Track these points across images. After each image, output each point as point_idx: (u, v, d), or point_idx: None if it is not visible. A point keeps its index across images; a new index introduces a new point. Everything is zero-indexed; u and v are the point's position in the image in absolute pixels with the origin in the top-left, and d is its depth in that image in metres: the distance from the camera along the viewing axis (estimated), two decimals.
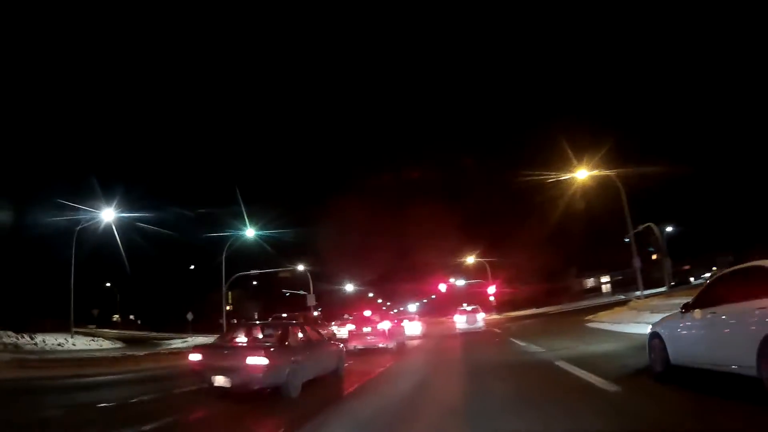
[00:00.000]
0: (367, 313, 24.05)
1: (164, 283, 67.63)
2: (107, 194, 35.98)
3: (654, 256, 50.82)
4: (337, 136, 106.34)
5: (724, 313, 7.62)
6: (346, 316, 38.04)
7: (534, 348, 17.96)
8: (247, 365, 10.24)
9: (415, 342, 29.17)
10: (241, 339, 12.80)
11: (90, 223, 36.76)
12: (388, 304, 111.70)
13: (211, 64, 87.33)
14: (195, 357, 11.31)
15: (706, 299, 8.39)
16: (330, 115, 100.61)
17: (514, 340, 23.29)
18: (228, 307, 44.37)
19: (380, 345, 22.37)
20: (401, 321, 34.36)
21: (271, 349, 10.87)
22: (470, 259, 70.30)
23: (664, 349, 9.26)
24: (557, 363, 12.90)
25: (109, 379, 16.81)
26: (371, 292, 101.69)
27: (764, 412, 6.33)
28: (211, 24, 78.95)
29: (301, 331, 13.02)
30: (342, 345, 15.48)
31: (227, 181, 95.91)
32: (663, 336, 9.44)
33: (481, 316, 35.01)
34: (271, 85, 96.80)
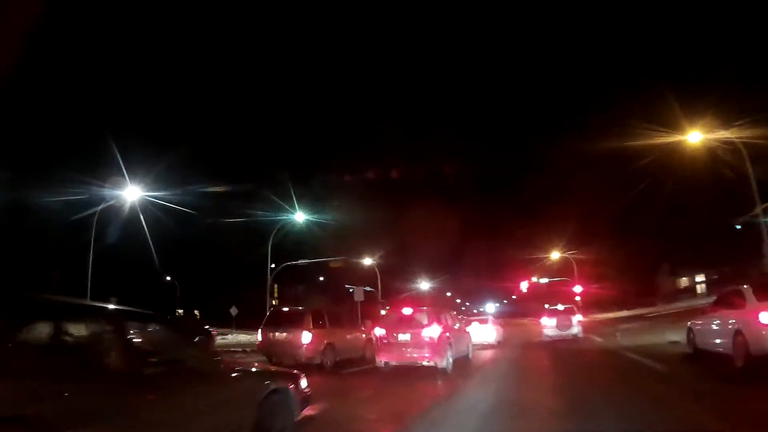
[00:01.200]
0: (407, 310, 14.90)
1: (207, 273, 60.27)
2: (131, 169, 29.31)
3: None
4: (403, 116, 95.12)
5: (720, 316, 12.39)
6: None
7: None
8: None
9: (486, 354, 20.37)
10: None
11: (113, 202, 29.95)
12: (467, 304, 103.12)
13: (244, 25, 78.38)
14: None
15: (715, 306, 13.28)
16: (395, 90, 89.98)
17: (636, 357, 15.17)
18: (274, 301, 36.62)
19: (424, 362, 13.94)
20: (467, 323, 25.51)
21: None
22: (555, 255, 60.29)
23: (694, 338, 14.09)
24: None
25: None
26: (449, 291, 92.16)
27: (729, 373, 10.68)
28: None
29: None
30: (280, 378, 6.71)
31: (272, 157, 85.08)
32: (692, 329, 14.30)
33: (576, 319, 25.47)
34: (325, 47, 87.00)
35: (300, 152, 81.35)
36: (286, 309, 17.28)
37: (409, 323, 14.59)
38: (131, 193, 29.54)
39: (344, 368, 15.80)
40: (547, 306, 28.82)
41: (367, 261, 52.93)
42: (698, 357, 13.57)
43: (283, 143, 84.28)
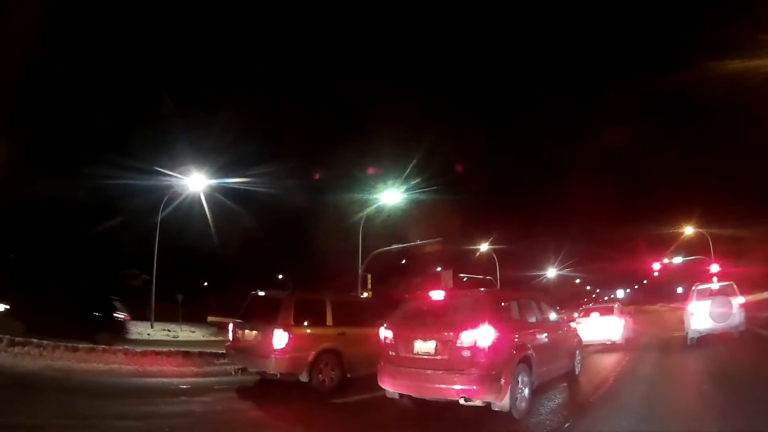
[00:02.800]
0: (437, 295, 7.45)
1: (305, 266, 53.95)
2: (196, 156, 25.14)
3: None
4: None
5: None
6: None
7: None
8: None
9: (606, 364, 12.79)
10: None
11: (178, 191, 26.11)
12: (597, 291, 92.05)
13: None
14: None
15: None
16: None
17: None
18: (366, 294, 30.04)
19: (461, 400, 6.63)
20: (584, 314, 17.83)
21: None
22: (688, 230, 48.86)
23: None
24: None
25: None
26: (578, 278, 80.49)
27: None
28: None
29: None
30: None
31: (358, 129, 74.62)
32: None
33: (737, 303, 15.81)
34: None
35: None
36: (262, 294, 10.35)
37: (436, 321, 7.33)
38: (196, 183, 25.25)
39: (352, 393, 8.86)
40: (693, 288, 18.55)
41: (483, 246, 45.04)
42: None
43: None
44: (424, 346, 6.95)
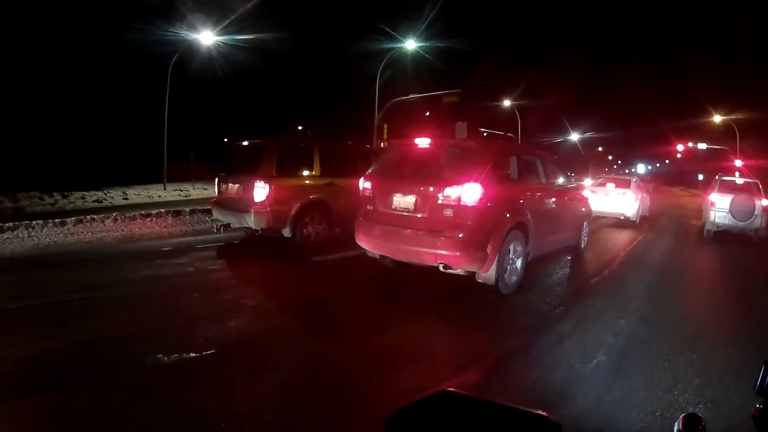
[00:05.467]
0: (422, 142, 6.20)
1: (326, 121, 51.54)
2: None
3: None
4: None
5: None
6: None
7: None
8: None
9: (615, 242, 11.53)
10: None
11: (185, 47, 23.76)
12: (619, 162, 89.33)
13: None
14: None
15: None
16: None
17: None
18: (383, 143, 28.58)
19: (439, 265, 5.49)
20: (599, 185, 16.00)
21: None
22: (717, 118, 44.99)
23: None
24: None
25: None
26: (600, 146, 77.02)
27: None
28: None
29: None
30: None
31: None
32: None
33: (761, 204, 13.50)
34: None
35: None
36: (245, 143, 9.05)
37: (419, 173, 5.97)
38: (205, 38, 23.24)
39: (335, 250, 7.91)
40: (717, 177, 16.47)
41: (506, 102, 41.52)
42: None
43: None
44: (403, 201, 5.71)
